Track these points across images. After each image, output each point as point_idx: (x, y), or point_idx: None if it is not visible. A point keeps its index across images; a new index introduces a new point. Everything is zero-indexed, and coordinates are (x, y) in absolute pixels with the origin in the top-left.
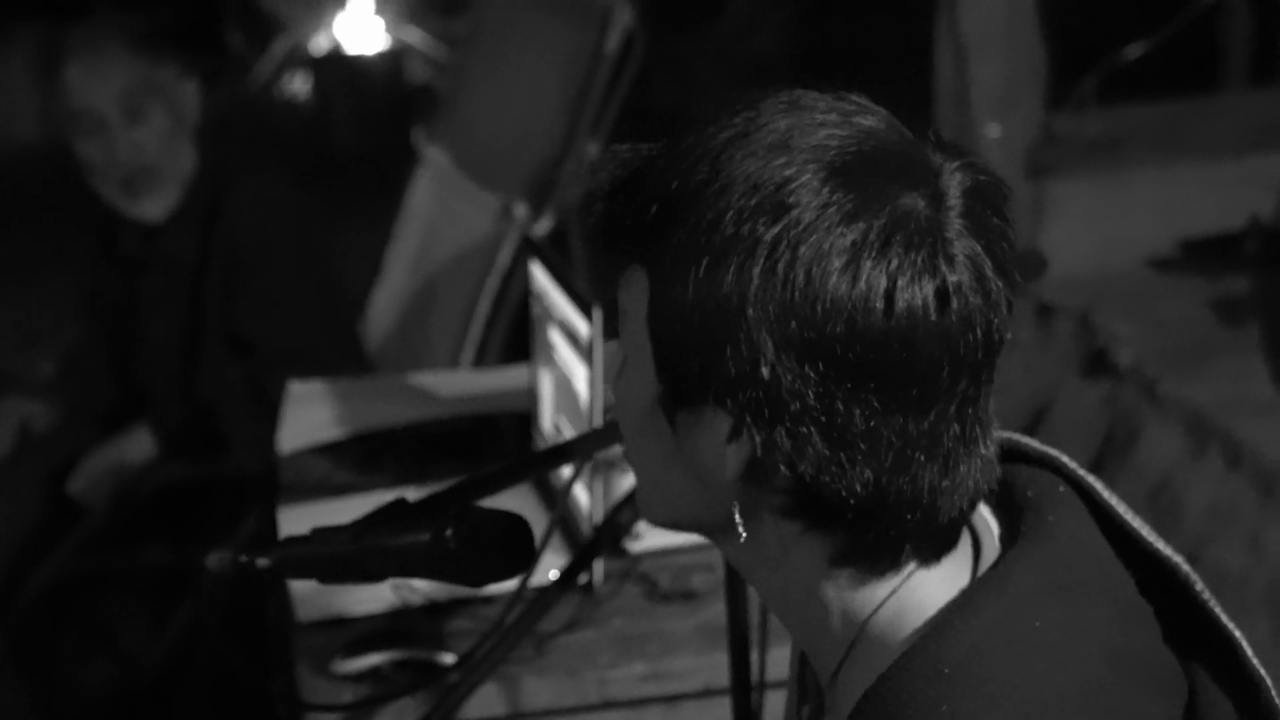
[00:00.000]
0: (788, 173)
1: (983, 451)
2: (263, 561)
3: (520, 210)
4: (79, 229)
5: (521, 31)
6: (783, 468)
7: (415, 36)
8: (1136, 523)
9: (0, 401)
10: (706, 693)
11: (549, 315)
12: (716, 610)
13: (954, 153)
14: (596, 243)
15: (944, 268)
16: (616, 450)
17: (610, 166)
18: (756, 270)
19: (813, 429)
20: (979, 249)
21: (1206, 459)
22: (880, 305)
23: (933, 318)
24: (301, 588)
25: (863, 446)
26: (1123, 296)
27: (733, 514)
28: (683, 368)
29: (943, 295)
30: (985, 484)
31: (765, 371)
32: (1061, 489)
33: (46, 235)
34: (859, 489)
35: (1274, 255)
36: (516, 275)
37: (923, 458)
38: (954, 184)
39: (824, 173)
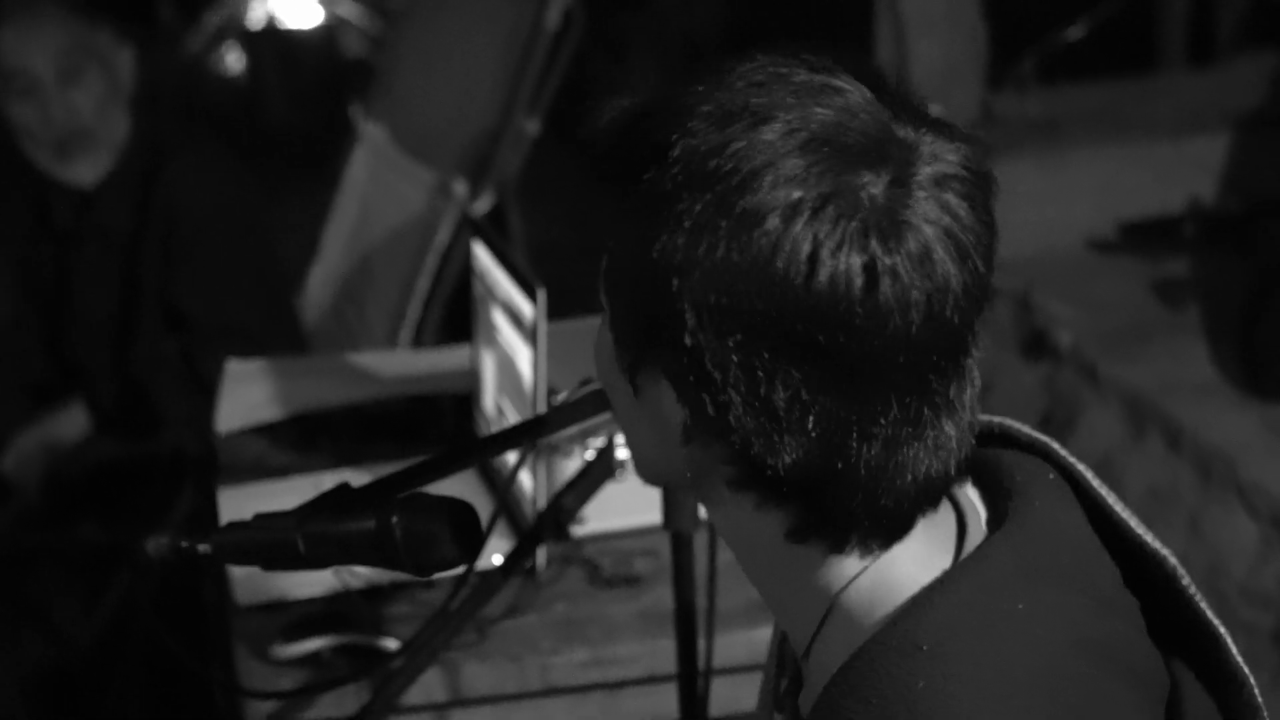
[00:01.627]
0: (740, 143)
1: (936, 436)
2: (203, 547)
3: (459, 187)
4: (9, 200)
5: (459, 6)
6: (714, 436)
7: (350, 11)
8: (1125, 513)
9: None
10: (650, 679)
11: (491, 295)
12: (659, 595)
13: (938, 131)
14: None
15: (875, 245)
16: (561, 435)
17: (604, 117)
18: (681, 237)
19: (736, 399)
20: (934, 235)
21: (1146, 441)
22: (802, 271)
23: (857, 293)
24: (241, 571)
25: (785, 422)
26: (1062, 278)
27: (687, 478)
28: (629, 331)
29: (871, 272)
30: (941, 469)
31: (687, 338)
32: (1050, 476)
33: None
34: (789, 463)
35: (1212, 238)
36: (455, 253)
37: (854, 439)
38: (927, 170)
39: (787, 145)
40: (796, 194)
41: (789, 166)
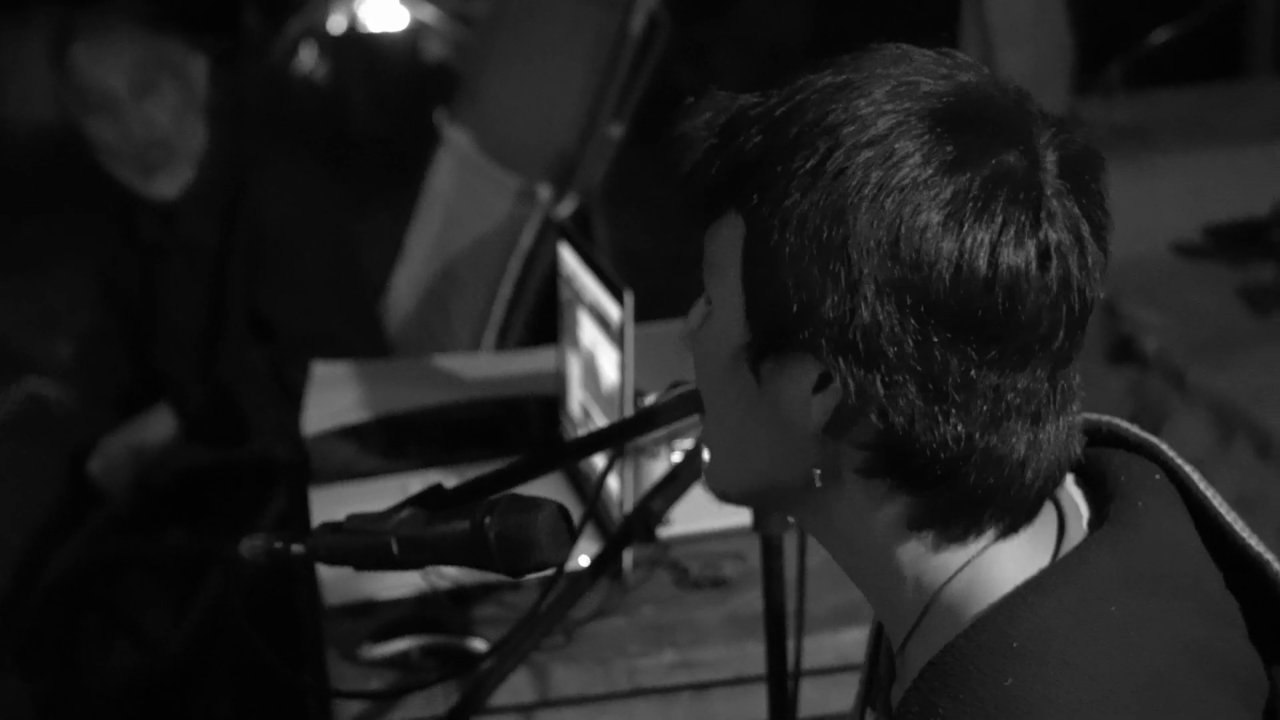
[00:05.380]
0: (893, 120)
1: (1069, 417)
2: (298, 548)
3: (543, 193)
4: (97, 213)
5: (545, 13)
6: (873, 417)
7: (431, 15)
8: (1230, 517)
9: (15, 380)
10: (737, 681)
11: (578, 298)
12: (747, 598)
13: (1047, 120)
14: (691, 189)
15: (1046, 226)
16: (649, 438)
17: (708, 112)
18: (861, 212)
19: (909, 378)
20: (1077, 210)
21: (1234, 449)
22: (984, 261)
23: (1033, 275)
24: (329, 572)
25: (958, 399)
26: (1149, 283)
27: (811, 472)
28: (776, 312)
29: (1044, 254)
30: (1069, 452)
31: (865, 314)
32: (1157, 477)
33: (64, 219)
34: (950, 443)
35: None
36: (538, 258)
37: (1014, 416)
38: (1050, 147)
39: (928, 120)
40: (962, 178)
41: (942, 146)
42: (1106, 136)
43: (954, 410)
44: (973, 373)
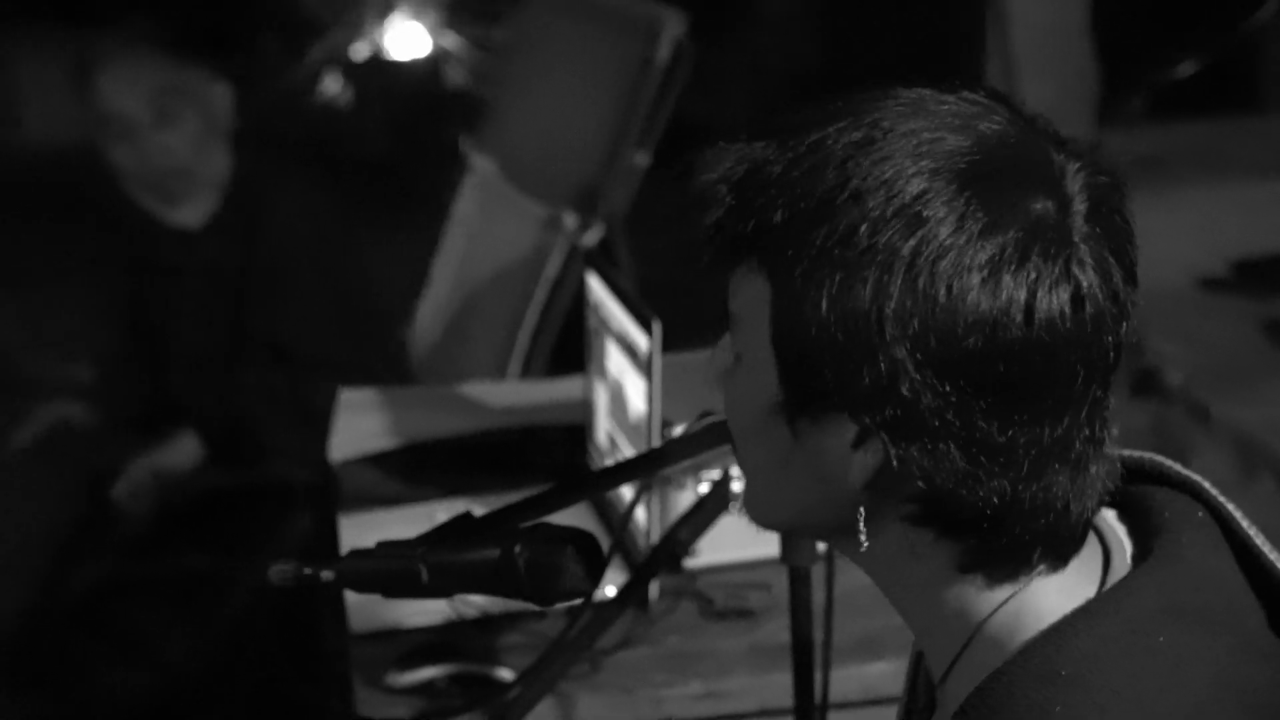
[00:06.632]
0: (919, 185)
1: (1107, 451)
2: (327, 574)
3: (568, 220)
4: (117, 236)
5: (568, 40)
6: (918, 481)
7: (455, 42)
8: (1274, 556)
9: (37, 405)
10: (762, 713)
11: (605, 327)
12: (772, 629)
13: (1074, 152)
14: (711, 243)
15: (1077, 272)
16: (675, 468)
17: (724, 163)
18: (895, 285)
19: (951, 444)
20: (1106, 252)
21: (1258, 483)
22: (1020, 317)
23: (1069, 324)
24: (356, 599)
25: (1001, 459)
26: (1171, 316)
27: (855, 519)
28: (810, 380)
29: (1077, 300)
30: (1110, 482)
31: (904, 388)
32: (1200, 514)
33: (84, 240)
34: (995, 499)
35: None
36: (564, 286)
37: (1057, 464)
38: (1077, 186)
39: (956, 183)
40: (998, 239)
41: (974, 209)
42: (1128, 168)
43: (997, 468)
44: (1012, 431)
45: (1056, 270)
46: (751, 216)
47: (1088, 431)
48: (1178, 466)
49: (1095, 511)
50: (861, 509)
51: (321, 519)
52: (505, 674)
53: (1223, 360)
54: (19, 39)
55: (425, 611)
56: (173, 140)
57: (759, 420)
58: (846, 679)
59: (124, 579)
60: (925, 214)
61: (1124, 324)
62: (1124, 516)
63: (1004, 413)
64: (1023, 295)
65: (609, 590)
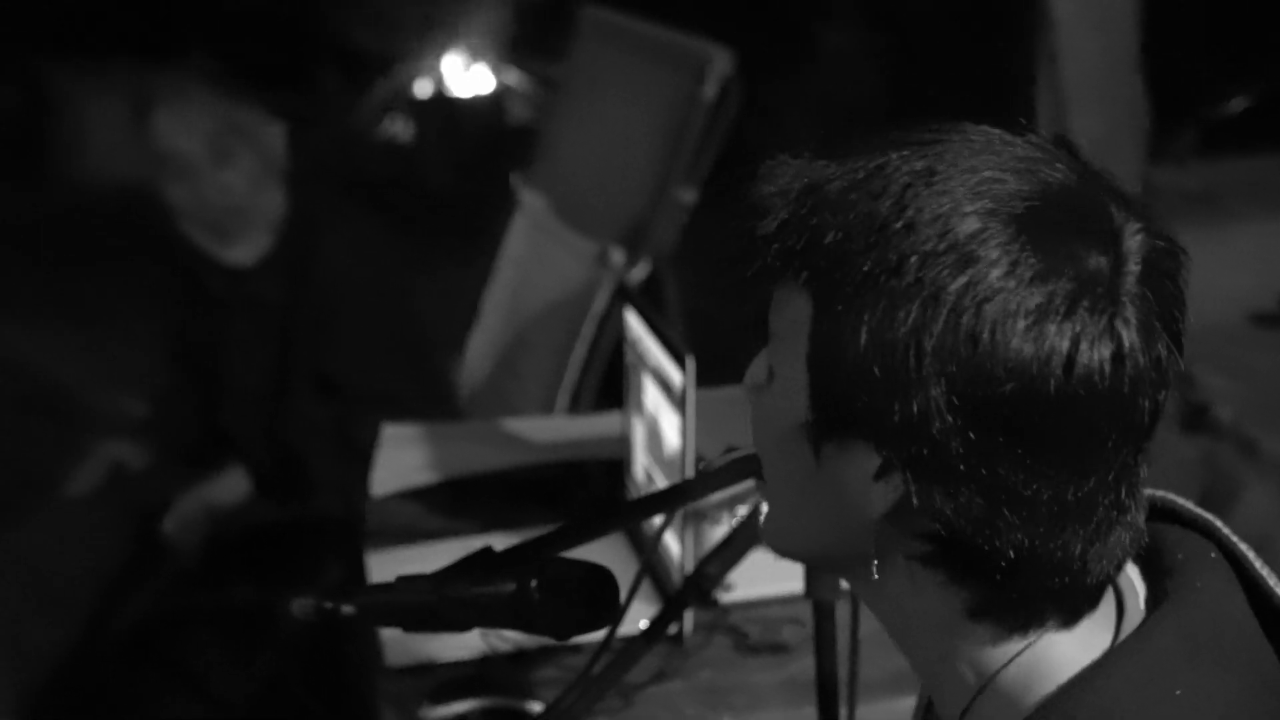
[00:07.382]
0: (975, 224)
1: (1132, 519)
2: (347, 609)
3: (616, 256)
4: (168, 270)
5: (618, 77)
6: (936, 523)
7: (517, 79)
8: None
9: (93, 443)
10: None
11: (642, 362)
12: (806, 663)
13: (1135, 211)
14: (760, 256)
15: (1121, 330)
16: (709, 501)
17: (781, 179)
18: (939, 323)
19: (974, 489)
20: (1153, 316)
21: None
22: (1060, 368)
23: (1107, 381)
24: (391, 633)
25: (1023, 512)
26: (1221, 351)
27: (868, 552)
28: (841, 406)
29: (1118, 358)
30: (1132, 549)
31: (934, 429)
32: (1212, 555)
33: (137, 275)
34: (1010, 551)
35: None
36: (612, 321)
37: (1078, 525)
38: (1134, 246)
39: (1013, 226)
40: (1047, 288)
41: (1026, 256)
42: (1179, 203)
43: (1017, 520)
44: (1037, 485)
45: (1101, 325)
46: (804, 233)
47: (1113, 495)
48: (1190, 505)
49: (1114, 576)
50: (874, 542)
51: (352, 553)
52: (537, 708)
53: (1273, 395)
54: (82, 76)
55: (459, 646)
56: (230, 179)
57: (784, 438)
58: (873, 714)
59: (174, 612)
60: (978, 254)
61: (1163, 391)
62: (1136, 558)
63: (1031, 465)
64: (1065, 346)
65: (641, 624)
